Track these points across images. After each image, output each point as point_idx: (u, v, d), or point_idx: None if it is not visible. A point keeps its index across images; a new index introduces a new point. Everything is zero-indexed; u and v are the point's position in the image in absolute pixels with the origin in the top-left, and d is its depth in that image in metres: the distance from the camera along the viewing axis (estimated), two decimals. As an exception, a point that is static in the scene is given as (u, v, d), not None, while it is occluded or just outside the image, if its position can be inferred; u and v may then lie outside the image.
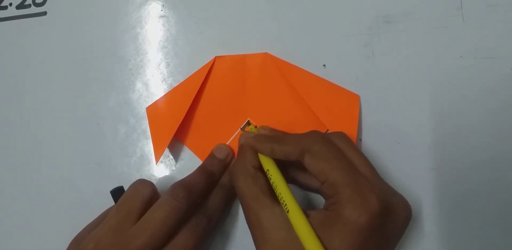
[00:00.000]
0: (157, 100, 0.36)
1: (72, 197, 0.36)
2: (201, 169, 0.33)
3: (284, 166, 0.30)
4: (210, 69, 0.36)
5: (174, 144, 0.36)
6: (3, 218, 0.36)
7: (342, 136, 0.29)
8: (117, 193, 0.32)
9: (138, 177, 0.35)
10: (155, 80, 0.38)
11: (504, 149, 0.32)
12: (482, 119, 0.33)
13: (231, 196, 0.33)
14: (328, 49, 0.36)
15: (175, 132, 0.34)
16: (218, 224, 0.33)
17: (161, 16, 0.39)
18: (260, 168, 0.29)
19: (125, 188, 0.31)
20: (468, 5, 0.35)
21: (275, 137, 0.30)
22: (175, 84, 0.37)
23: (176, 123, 0.34)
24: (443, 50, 0.35)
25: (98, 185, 0.35)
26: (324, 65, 0.36)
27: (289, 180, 0.31)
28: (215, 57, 0.36)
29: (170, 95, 0.36)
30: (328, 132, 0.33)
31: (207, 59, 0.37)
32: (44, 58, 0.39)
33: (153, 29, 0.39)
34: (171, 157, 0.36)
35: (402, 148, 0.33)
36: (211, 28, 0.38)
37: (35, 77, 0.39)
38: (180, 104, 0.35)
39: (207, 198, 0.32)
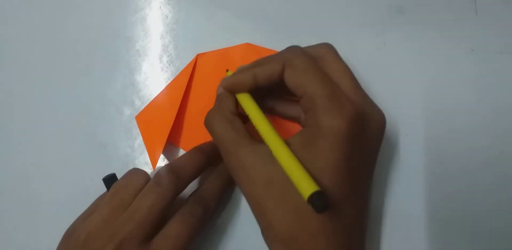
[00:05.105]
0: (145, 108, 0.35)
1: (75, 177, 0.35)
2: (194, 148, 0.32)
3: (262, 96, 0.31)
4: (193, 67, 0.35)
5: (169, 148, 0.35)
6: (4, 198, 0.36)
7: (325, 47, 0.29)
8: (109, 180, 0.31)
9: (141, 160, 0.35)
10: (162, 62, 0.37)
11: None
12: (492, 114, 0.33)
13: (228, 185, 0.32)
14: (339, 38, 0.35)
15: (167, 137, 0.33)
16: (215, 214, 0.32)
17: (171, -2, 0.38)
18: (238, 114, 0.28)
19: (118, 176, 0.31)
20: (482, -2, 0.35)
21: (254, 62, 0.29)
22: (182, 67, 0.36)
23: (167, 128, 0.33)
24: (454, 43, 0.35)
25: (102, 166, 0.34)
26: (335, 54, 0.35)
27: (268, 110, 0.32)
28: (197, 54, 0.36)
29: (158, 100, 0.35)
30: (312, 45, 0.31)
31: (216, 43, 0.36)
32: (50, 37, 0.38)
33: (162, 11, 0.38)
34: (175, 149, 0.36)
35: (411, 140, 0.33)
36: (221, 12, 0.37)
37: (41, 56, 0.38)
38: (168, 108, 0.34)
39: (203, 186, 0.31)
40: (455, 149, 0.33)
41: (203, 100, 0.35)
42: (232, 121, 0.28)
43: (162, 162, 0.35)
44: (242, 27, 0.37)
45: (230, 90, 0.29)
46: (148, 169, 0.35)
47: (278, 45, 0.35)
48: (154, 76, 0.37)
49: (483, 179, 0.32)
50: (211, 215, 0.31)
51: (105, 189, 0.31)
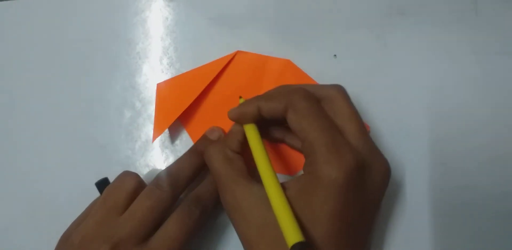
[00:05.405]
0: (169, 79, 0.36)
1: (76, 179, 0.35)
2: (190, 151, 0.32)
3: (271, 126, 0.31)
4: (229, 61, 0.36)
5: (176, 128, 0.35)
6: (4, 199, 0.36)
7: (336, 88, 0.29)
8: (102, 184, 0.31)
9: (142, 162, 0.35)
10: (162, 64, 0.37)
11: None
12: (493, 115, 0.33)
13: None
14: (340, 39, 0.36)
15: (179, 114, 0.34)
16: (212, 215, 0.32)
17: (171, 0, 0.38)
18: (239, 153, 0.29)
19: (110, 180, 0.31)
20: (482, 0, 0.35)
21: (260, 95, 0.30)
22: (183, 70, 0.36)
23: (183, 107, 0.34)
24: (455, 44, 0.35)
25: (102, 169, 0.34)
26: (335, 55, 0.36)
27: (278, 140, 0.32)
28: (237, 51, 0.36)
29: (184, 77, 0.36)
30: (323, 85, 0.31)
31: (215, 45, 0.37)
32: (50, 39, 0.38)
33: (163, 13, 0.38)
34: (176, 142, 0.36)
35: (411, 141, 0.33)
36: (221, 14, 0.37)
37: (41, 58, 0.38)
38: (191, 89, 0.35)
39: (200, 187, 0.31)
40: (457, 150, 0.33)
41: (225, 94, 0.35)
42: (231, 159, 0.28)
43: (162, 163, 0.35)
44: (242, 29, 0.37)
45: (236, 120, 0.30)
46: (148, 171, 0.35)
47: (279, 48, 0.36)
48: (155, 79, 0.37)
49: (486, 179, 0.32)
50: (209, 215, 0.31)
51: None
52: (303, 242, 0.22)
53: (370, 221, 0.28)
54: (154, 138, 0.34)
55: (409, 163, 0.33)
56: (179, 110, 0.34)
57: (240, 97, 0.34)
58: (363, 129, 0.28)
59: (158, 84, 0.35)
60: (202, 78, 0.35)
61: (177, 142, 0.35)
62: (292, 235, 0.22)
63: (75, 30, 0.38)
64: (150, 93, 0.36)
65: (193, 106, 0.35)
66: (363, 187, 0.26)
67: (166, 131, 0.35)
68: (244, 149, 0.30)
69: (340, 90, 0.29)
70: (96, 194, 0.32)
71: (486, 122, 0.33)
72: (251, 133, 0.29)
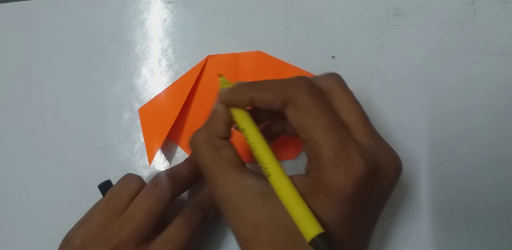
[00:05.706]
0: (149, 101, 0.36)
1: (74, 182, 0.35)
2: (187, 159, 0.32)
3: (267, 124, 0.29)
4: (202, 68, 0.36)
5: (169, 146, 0.35)
6: (4, 202, 0.36)
7: (333, 78, 0.26)
8: (104, 187, 0.31)
9: (141, 164, 0.35)
10: (161, 66, 0.37)
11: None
12: (491, 116, 0.33)
13: None
14: (338, 40, 0.36)
15: (167, 133, 0.33)
16: (215, 219, 0.32)
17: (170, 2, 0.38)
18: (227, 138, 0.26)
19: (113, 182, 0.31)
20: (480, 0, 0.35)
21: (254, 83, 0.26)
22: (182, 71, 0.36)
23: (169, 125, 0.34)
24: (453, 45, 0.35)
25: (101, 170, 0.34)
26: (333, 56, 0.36)
27: (279, 133, 0.29)
28: (208, 56, 0.36)
29: (162, 95, 0.35)
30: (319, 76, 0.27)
31: (214, 46, 0.36)
32: (49, 41, 0.39)
33: (161, 15, 0.38)
34: (174, 147, 0.36)
35: (409, 142, 0.33)
36: (220, 16, 0.37)
37: (40, 60, 0.38)
38: (172, 105, 0.34)
39: (203, 193, 0.31)
40: (455, 150, 0.33)
41: (208, 102, 0.35)
42: (219, 147, 0.25)
43: (161, 164, 0.35)
44: (240, 30, 0.37)
45: (226, 104, 0.27)
46: (148, 173, 0.35)
47: (277, 49, 0.36)
48: (153, 80, 0.37)
49: (484, 180, 0.32)
50: (211, 220, 0.31)
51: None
52: (324, 234, 0.20)
53: (374, 221, 0.26)
54: (150, 161, 0.34)
55: (407, 163, 0.33)
56: (167, 128, 0.33)
57: (221, 76, 0.31)
58: (368, 122, 0.25)
59: (139, 110, 0.35)
60: (180, 92, 0.35)
61: (173, 148, 0.35)
62: (311, 227, 0.20)
63: (74, 32, 0.39)
64: (149, 95, 0.36)
65: (180, 121, 0.35)
66: (371, 191, 0.23)
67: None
68: (231, 131, 0.27)
69: (337, 79, 0.26)
70: (96, 195, 0.32)
71: (484, 123, 0.33)
72: (242, 116, 0.26)
